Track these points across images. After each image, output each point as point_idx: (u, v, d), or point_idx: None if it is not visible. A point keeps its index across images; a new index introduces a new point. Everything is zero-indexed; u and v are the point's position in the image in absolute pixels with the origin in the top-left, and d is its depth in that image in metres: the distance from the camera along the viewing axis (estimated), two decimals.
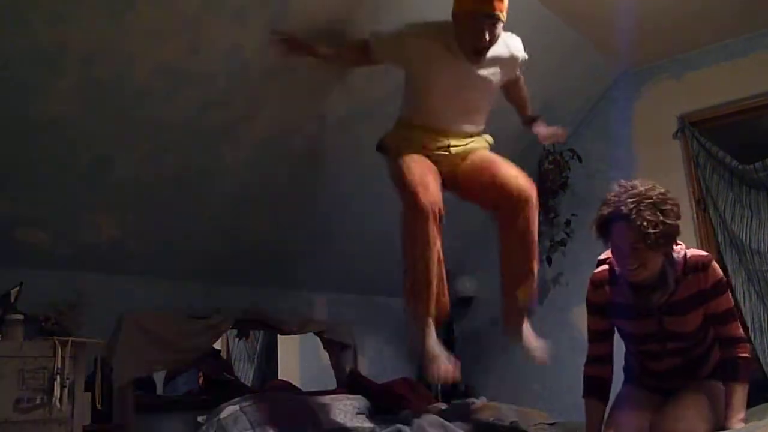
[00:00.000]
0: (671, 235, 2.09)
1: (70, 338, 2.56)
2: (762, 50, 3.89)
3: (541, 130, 3.06)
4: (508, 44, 2.76)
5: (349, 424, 3.17)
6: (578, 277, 4.30)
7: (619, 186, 2.17)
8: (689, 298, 2.18)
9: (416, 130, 2.71)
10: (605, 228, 2.16)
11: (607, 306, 2.34)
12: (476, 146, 2.78)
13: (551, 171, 4.36)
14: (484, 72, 2.67)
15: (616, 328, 2.39)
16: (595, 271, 2.41)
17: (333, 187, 3.60)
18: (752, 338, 3.66)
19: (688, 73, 4.15)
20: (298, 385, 3.88)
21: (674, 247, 2.18)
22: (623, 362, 2.57)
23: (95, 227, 2.98)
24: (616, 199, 2.12)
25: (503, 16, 2.47)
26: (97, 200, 2.90)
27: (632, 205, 2.06)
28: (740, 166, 3.84)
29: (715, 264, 2.20)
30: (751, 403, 2.27)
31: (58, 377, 2.44)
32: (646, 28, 3.81)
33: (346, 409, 3.34)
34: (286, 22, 2.80)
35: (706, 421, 2.13)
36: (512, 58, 2.79)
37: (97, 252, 3.07)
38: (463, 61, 2.60)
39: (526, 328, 2.66)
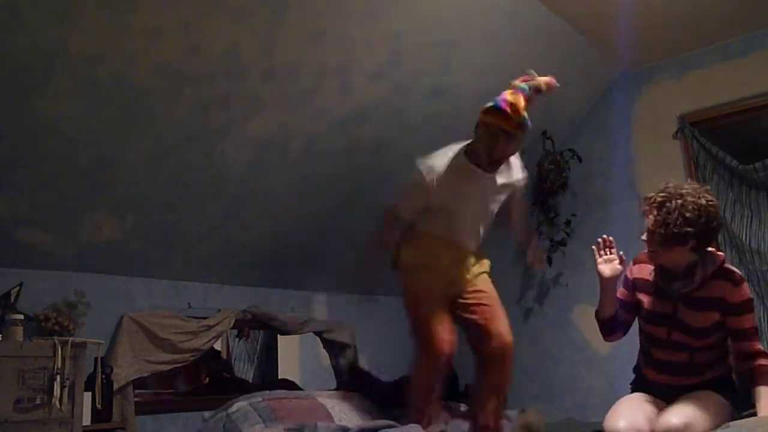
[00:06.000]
0: (676, 239, 2.24)
1: (70, 338, 2.57)
2: (761, 50, 3.88)
3: (530, 254, 3.12)
4: (513, 168, 2.87)
5: (355, 421, 3.17)
6: (578, 277, 4.31)
7: (674, 181, 2.35)
8: (710, 299, 2.31)
9: (432, 242, 2.83)
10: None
11: (635, 281, 2.52)
12: (480, 272, 2.94)
13: (551, 171, 4.36)
14: (499, 182, 2.81)
15: (636, 307, 2.53)
16: (641, 252, 2.54)
17: (332, 187, 3.60)
18: None
19: (688, 73, 4.14)
20: (298, 384, 3.89)
21: (713, 250, 2.35)
22: (632, 377, 2.65)
23: (95, 227, 2.98)
24: (665, 188, 2.30)
25: (519, 134, 2.61)
26: (97, 200, 2.90)
27: (661, 199, 2.25)
28: (740, 166, 3.83)
29: (746, 284, 2.36)
30: (747, 405, 2.29)
31: (58, 377, 2.44)
32: (646, 28, 3.81)
33: (351, 405, 3.34)
34: (286, 23, 2.81)
35: (703, 421, 2.15)
36: (515, 179, 2.88)
37: (97, 252, 3.07)
38: (475, 173, 2.72)
39: None
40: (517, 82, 2.54)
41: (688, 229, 2.21)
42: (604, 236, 2.52)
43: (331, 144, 3.40)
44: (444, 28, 3.28)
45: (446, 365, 2.79)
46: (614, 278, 2.47)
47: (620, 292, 2.56)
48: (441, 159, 2.71)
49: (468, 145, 2.72)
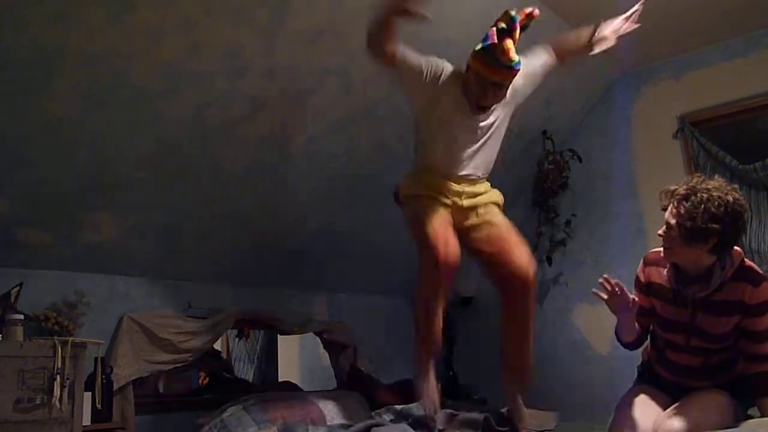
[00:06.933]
0: (697, 235, 2.11)
1: (70, 338, 2.56)
2: (761, 50, 3.89)
3: (606, 32, 2.92)
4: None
5: (350, 421, 3.17)
6: (578, 277, 4.32)
7: (702, 176, 2.23)
8: (729, 303, 2.20)
9: (430, 176, 2.76)
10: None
11: (649, 284, 2.39)
12: (486, 200, 2.82)
13: (551, 171, 4.36)
14: (490, 120, 2.73)
15: (652, 311, 2.43)
16: (651, 251, 2.45)
17: (332, 187, 3.60)
18: None
19: (688, 73, 4.15)
20: (298, 385, 3.89)
21: (731, 251, 2.21)
22: (640, 361, 2.62)
23: (95, 227, 2.98)
24: (689, 182, 2.18)
25: (509, 82, 2.55)
26: (97, 200, 2.90)
27: (685, 192, 2.12)
28: (740, 166, 3.84)
29: (766, 283, 2.21)
30: (747, 404, 2.28)
31: (58, 377, 2.44)
32: (646, 28, 3.80)
33: (345, 406, 3.34)
34: (286, 23, 2.80)
35: (707, 423, 2.13)
36: (519, 84, 2.75)
37: (97, 252, 3.07)
38: (469, 111, 2.66)
39: (520, 403, 2.81)
40: (501, 24, 2.46)
41: (713, 226, 2.07)
42: (606, 276, 2.36)
43: (331, 144, 3.40)
44: (444, 28, 3.28)
45: (448, 274, 2.57)
46: (628, 313, 2.35)
47: (637, 296, 2.44)
48: (444, 66, 2.64)
49: (463, 76, 2.63)
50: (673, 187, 2.20)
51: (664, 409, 2.28)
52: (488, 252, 2.73)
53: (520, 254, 2.69)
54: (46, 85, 2.45)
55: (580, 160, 4.36)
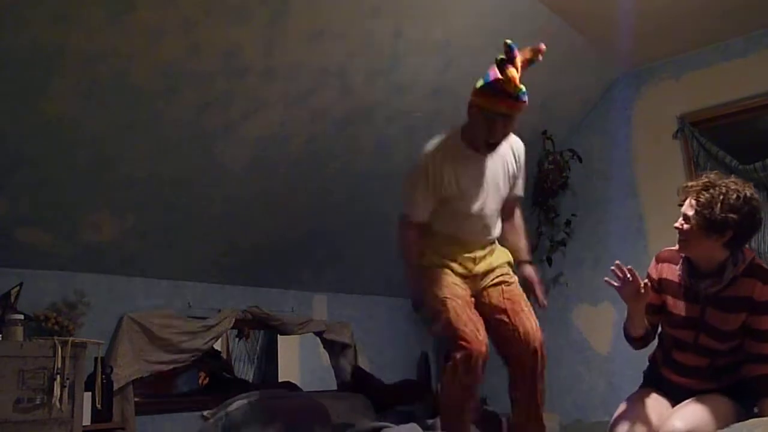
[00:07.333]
0: (716, 225, 2.13)
1: (70, 338, 2.57)
2: (761, 50, 3.89)
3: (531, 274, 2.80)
4: (512, 145, 2.69)
5: (354, 420, 3.18)
6: (578, 277, 4.32)
7: (719, 173, 2.26)
8: (739, 299, 2.22)
9: (445, 240, 2.66)
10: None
11: (661, 281, 2.39)
12: (498, 262, 2.73)
13: (551, 171, 4.37)
14: (494, 163, 2.64)
15: (662, 309, 2.40)
16: (664, 249, 2.45)
17: (332, 188, 3.60)
18: None
19: (688, 73, 4.15)
20: (298, 385, 3.89)
21: (744, 249, 2.23)
22: (640, 362, 2.60)
23: (95, 227, 2.98)
24: (707, 177, 2.21)
25: (516, 113, 2.44)
26: (97, 200, 2.90)
27: (704, 184, 2.17)
28: (740, 166, 3.84)
29: None
30: (751, 407, 2.28)
31: (58, 377, 2.44)
32: (646, 28, 3.81)
33: (351, 406, 3.35)
34: (286, 23, 2.81)
35: (708, 424, 2.13)
36: (515, 158, 2.71)
37: (97, 252, 3.07)
38: (473, 157, 2.57)
39: None
40: (500, 56, 2.33)
41: (732, 216, 2.10)
42: (618, 263, 2.30)
43: (331, 144, 3.40)
44: (444, 28, 3.29)
45: (478, 369, 2.44)
46: (640, 302, 2.31)
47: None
48: (434, 144, 2.55)
49: (462, 128, 2.54)
50: (690, 183, 2.24)
51: (666, 412, 2.28)
52: (498, 311, 2.63)
53: (528, 326, 2.59)
54: (46, 85, 2.45)
55: (580, 160, 4.36)
